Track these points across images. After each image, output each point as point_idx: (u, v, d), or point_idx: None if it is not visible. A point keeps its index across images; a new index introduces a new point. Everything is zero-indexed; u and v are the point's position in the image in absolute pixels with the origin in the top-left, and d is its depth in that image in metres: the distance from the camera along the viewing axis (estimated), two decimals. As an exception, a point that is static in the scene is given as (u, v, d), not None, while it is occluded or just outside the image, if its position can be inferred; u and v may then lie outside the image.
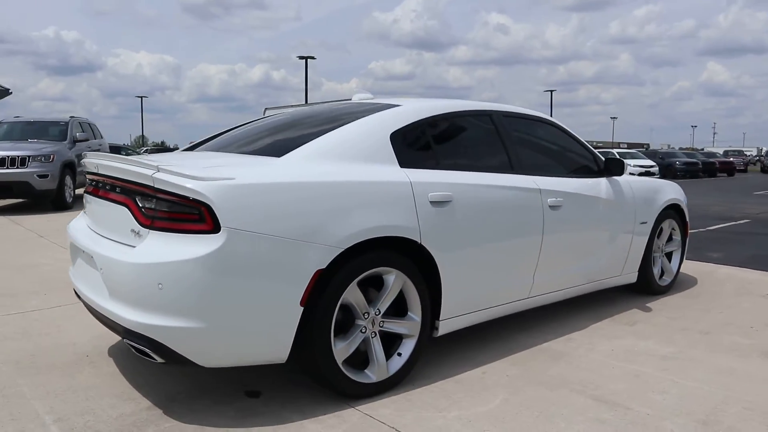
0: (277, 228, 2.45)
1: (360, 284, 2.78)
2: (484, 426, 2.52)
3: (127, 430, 2.47)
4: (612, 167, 4.10)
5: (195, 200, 2.36)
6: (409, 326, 2.93)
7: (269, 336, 2.49)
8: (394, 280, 2.83)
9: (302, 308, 2.52)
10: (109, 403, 2.73)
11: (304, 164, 2.71)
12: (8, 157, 9.65)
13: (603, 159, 4.16)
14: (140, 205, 2.51)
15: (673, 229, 4.87)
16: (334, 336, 2.68)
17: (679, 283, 5.11)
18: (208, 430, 2.48)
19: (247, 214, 2.40)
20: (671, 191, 4.72)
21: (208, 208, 2.35)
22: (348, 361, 2.75)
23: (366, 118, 3.05)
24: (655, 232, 4.56)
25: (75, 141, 11.27)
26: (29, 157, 9.77)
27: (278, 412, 2.64)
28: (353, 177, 2.72)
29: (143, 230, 2.48)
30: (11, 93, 24.55)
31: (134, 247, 2.49)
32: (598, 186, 4.00)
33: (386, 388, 2.85)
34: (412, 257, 2.93)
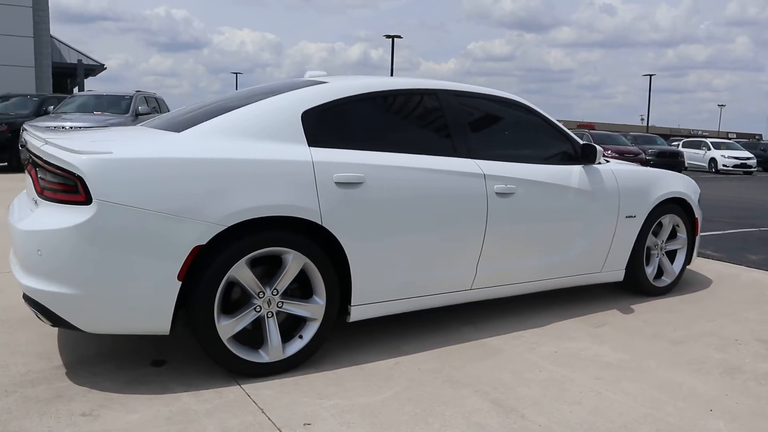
0: (153, 203, 2.44)
1: (259, 263, 2.75)
2: (353, 418, 2.40)
3: (20, 384, 2.60)
4: (586, 154, 3.73)
5: (71, 172, 2.40)
6: (312, 309, 2.84)
7: (147, 307, 2.50)
8: (292, 261, 2.75)
9: (180, 283, 2.52)
10: (26, 360, 2.87)
11: (197, 140, 2.68)
12: (72, 127, 10.40)
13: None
14: (38, 176, 2.58)
15: (676, 225, 4.39)
16: (222, 312, 2.66)
17: (686, 285, 4.62)
18: (93, 393, 2.55)
19: (121, 188, 2.41)
20: (673, 184, 4.23)
21: (82, 181, 2.39)
22: (241, 339, 2.73)
23: (280, 96, 2.96)
24: (649, 227, 4.12)
25: (137, 114, 11.93)
26: (91, 128, 10.48)
27: (165, 383, 2.66)
28: (244, 154, 2.65)
29: (39, 200, 2.57)
30: (105, 68, 26.41)
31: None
32: (569, 174, 3.66)
33: (282, 369, 2.79)
34: (318, 240, 2.83)
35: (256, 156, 2.67)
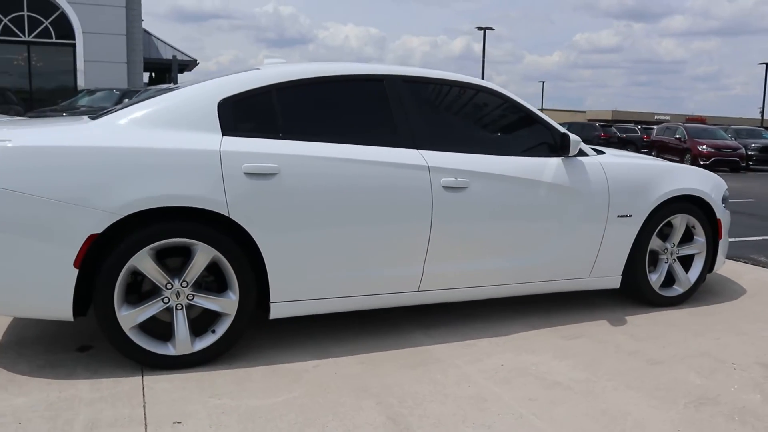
0: (48, 190, 2.44)
1: (173, 254, 2.68)
2: (227, 421, 2.26)
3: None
4: (563, 145, 3.31)
5: None
6: (224, 304, 2.73)
7: (46, 293, 2.51)
8: (199, 253, 2.64)
9: (77, 270, 2.49)
10: (-30, 338, 3.00)
11: (105, 129, 2.64)
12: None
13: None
14: None
15: (692, 227, 3.82)
16: (127, 302, 2.62)
17: (709, 294, 4.03)
18: (2, 373, 2.60)
19: (17, 175, 2.42)
20: (685, 179, 3.68)
21: None
22: (151, 330, 2.68)
23: (199, 84, 2.85)
24: (653, 229, 3.61)
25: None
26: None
27: (75, 369, 2.67)
28: (146, 144, 2.58)
29: None
30: (198, 64, 27.85)
31: None
32: (542, 167, 3.26)
33: (193, 363, 2.71)
34: (231, 233, 2.70)
35: (158, 145, 2.59)
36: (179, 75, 28.89)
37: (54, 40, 17.82)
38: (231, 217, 2.64)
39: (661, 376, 2.78)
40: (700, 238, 3.84)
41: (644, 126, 25.42)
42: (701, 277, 3.88)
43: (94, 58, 17.79)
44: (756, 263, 5.10)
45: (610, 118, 56.05)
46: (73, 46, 17.81)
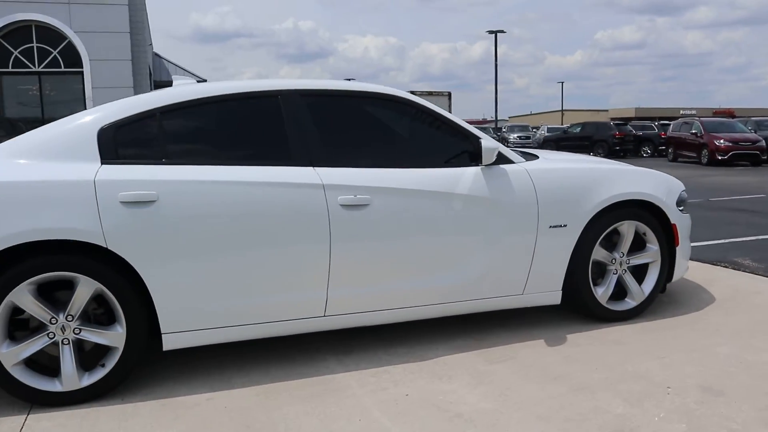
0: None
1: (58, 287, 2.58)
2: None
3: None
4: (477, 153, 3.08)
5: None
6: (112, 337, 2.60)
7: None
8: (81, 285, 2.53)
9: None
10: None
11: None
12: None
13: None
14: None
15: (643, 234, 3.54)
16: (10, 338, 2.54)
17: (674, 305, 3.73)
18: None
19: None
20: (629, 183, 3.40)
21: None
22: (39, 367, 2.60)
23: (82, 112, 2.75)
24: (595, 238, 3.35)
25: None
26: None
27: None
28: (18, 176, 2.48)
29: None
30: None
31: None
32: (457, 178, 3.05)
33: (80, 399, 2.61)
34: (113, 264, 2.57)
35: (31, 178, 2.49)
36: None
37: (63, 69, 18.24)
38: (109, 248, 2.51)
39: (579, 405, 2.53)
40: (653, 245, 3.55)
41: (662, 123, 24.65)
42: (657, 288, 3.59)
43: (101, 85, 18.14)
44: (737, 267, 4.75)
45: (633, 115, 54.84)
46: (81, 73, 18.20)
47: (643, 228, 3.50)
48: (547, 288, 3.30)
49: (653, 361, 2.95)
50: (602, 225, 3.36)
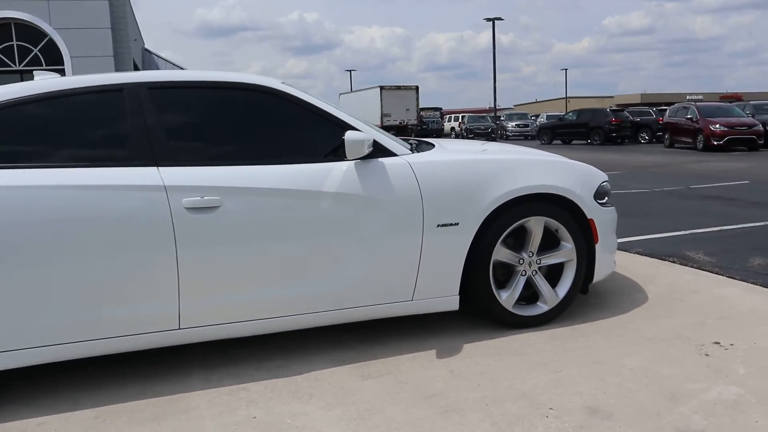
0: None
1: None
2: None
3: None
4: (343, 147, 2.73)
5: None
6: None
7: None
8: None
9: None
10: None
11: None
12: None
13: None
14: None
15: (555, 231, 3.19)
16: None
17: (593, 308, 3.37)
18: None
19: None
20: (532, 175, 3.04)
21: None
22: None
23: None
24: (496, 237, 3.00)
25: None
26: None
27: None
28: None
29: None
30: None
31: None
32: (325, 174, 2.71)
33: None
34: None
35: None
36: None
37: (44, 67, 18.01)
38: None
39: (436, 426, 2.20)
40: (567, 243, 3.20)
41: (661, 108, 24.02)
42: (575, 291, 3.24)
43: (83, 81, 17.94)
44: (685, 262, 4.38)
45: (639, 101, 53.93)
46: (63, 71, 17.97)
47: (555, 224, 3.15)
48: (441, 293, 2.97)
49: (546, 376, 2.61)
50: (504, 222, 3.01)
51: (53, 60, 18.06)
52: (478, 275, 3.01)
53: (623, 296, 3.65)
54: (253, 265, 2.63)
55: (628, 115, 22.84)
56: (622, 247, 4.92)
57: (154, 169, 2.53)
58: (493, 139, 32.92)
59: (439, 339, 3.08)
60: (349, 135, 2.66)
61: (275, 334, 3.08)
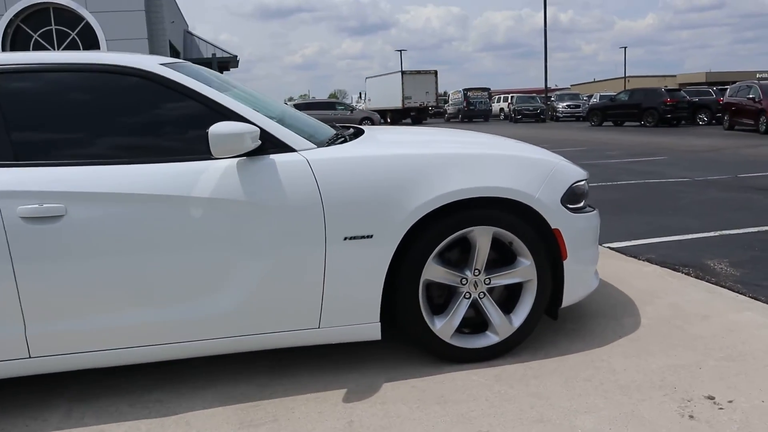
0: None
1: None
2: None
3: None
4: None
5: None
6: None
7: None
8: None
9: None
10: None
11: None
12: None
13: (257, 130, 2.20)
14: None
15: (509, 243, 2.55)
16: None
17: (566, 338, 2.72)
18: None
19: None
20: (479, 173, 2.39)
21: None
22: None
23: None
24: (427, 252, 2.39)
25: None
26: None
27: None
28: None
29: None
30: (238, 59, 27.99)
31: None
32: (198, 175, 2.17)
33: None
34: None
35: None
36: (224, 72, 29.19)
37: (81, 50, 18.23)
38: None
39: None
40: (525, 259, 2.55)
41: (722, 88, 22.11)
42: (534, 318, 2.60)
43: (117, 65, 18.04)
44: (702, 275, 3.61)
45: (704, 80, 50.60)
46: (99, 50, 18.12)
47: (508, 236, 2.51)
48: (356, 319, 2.39)
49: (471, 425, 2.01)
50: (436, 234, 2.40)
51: (90, 44, 18.23)
52: (405, 299, 2.42)
53: (609, 321, 2.97)
54: (112, 284, 2.14)
55: (685, 95, 21.14)
56: (631, 253, 4.18)
57: None
58: (542, 120, 31.51)
59: (361, 373, 2.51)
60: (214, 128, 2.10)
61: (164, 366, 2.60)
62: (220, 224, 2.18)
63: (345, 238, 2.28)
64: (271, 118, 2.41)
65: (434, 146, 2.52)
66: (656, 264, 3.90)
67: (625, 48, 58.86)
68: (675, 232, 4.77)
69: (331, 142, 2.52)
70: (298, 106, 25.04)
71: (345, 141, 2.58)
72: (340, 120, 24.59)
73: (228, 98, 2.31)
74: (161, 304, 2.20)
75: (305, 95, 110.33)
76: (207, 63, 26.36)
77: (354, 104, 39.56)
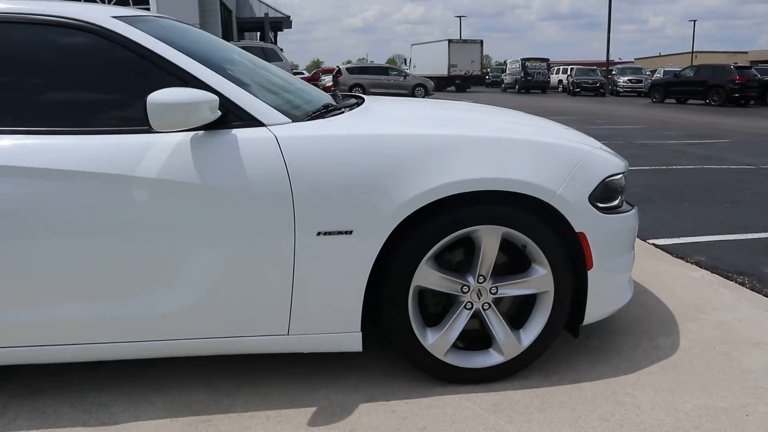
0: None
1: None
2: None
3: None
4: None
5: None
6: None
7: None
8: None
9: None
10: None
11: None
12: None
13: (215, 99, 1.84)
14: None
15: (523, 246, 2.12)
16: None
17: (590, 355, 2.30)
18: None
19: None
20: (488, 161, 1.96)
21: None
22: None
23: None
24: (421, 253, 1.99)
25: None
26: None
27: None
28: None
29: None
30: (291, 19, 27.60)
31: None
32: (146, 150, 1.83)
33: None
34: None
35: None
36: (279, 33, 28.91)
37: (131, 6, 18.18)
38: None
39: None
40: (540, 267, 2.12)
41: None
42: (550, 336, 2.18)
43: (165, 21, 17.96)
44: (759, 287, 3.07)
45: (780, 57, 47.02)
46: (147, 9, 18.04)
47: (521, 238, 2.08)
48: (332, 327, 2.04)
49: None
50: (431, 232, 1.99)
51: (139, 0, 18.18)
52: (390, 307, 2.04)
53: (642, 340, 2.52)
54: (34, 274, 1.84)
55: (756, 72, 19.51)
56: (678, 252, 3.66)
57: None
58: (602, 95, 29.98)
59: (335, 389, 2.17)
60: (154, 96, 1.73)
61: (108, 366, 2.32)
62: (165, 210, 1.84)
63: (319, 233, 1.91)
64: (246, 85, 2.04)
65: (437, 126, 2.10)
66: (706, 269, 3.38)
67: (695, 21, 55.22)
68: (732, 230, 4.19)
69: (316, 115, 2.12)
70: (350, 70, 24.43)
71: (336, 114, 2.18)
72: (393, 86, 23.94)
73: (189, 60, 1.94)
74: (91, 299, 1.89)
75: (363, 59, 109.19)
76: (259, 23, 26.10)
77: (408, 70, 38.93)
